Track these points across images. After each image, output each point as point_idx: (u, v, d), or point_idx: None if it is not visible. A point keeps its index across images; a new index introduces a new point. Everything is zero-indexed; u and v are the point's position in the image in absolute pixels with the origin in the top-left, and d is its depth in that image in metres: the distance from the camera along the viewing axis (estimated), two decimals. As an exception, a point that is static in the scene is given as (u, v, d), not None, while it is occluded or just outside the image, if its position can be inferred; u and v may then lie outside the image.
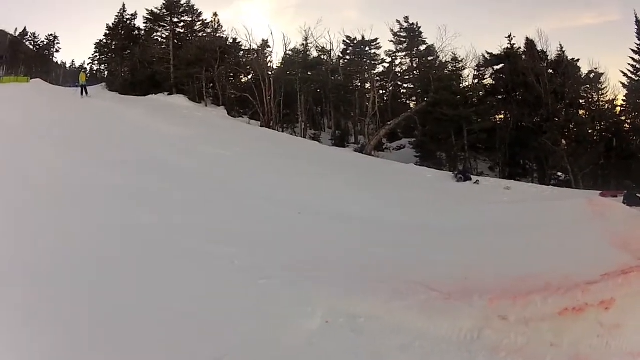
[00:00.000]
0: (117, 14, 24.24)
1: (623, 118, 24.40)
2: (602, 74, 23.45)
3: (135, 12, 24.40)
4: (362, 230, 6.38)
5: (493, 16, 34.47)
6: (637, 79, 23.54)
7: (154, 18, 23.06)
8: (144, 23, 23.70)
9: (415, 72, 22.69)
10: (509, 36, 22.94)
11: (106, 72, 24.86)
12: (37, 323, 2.91)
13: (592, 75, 23.63)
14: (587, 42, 35.08)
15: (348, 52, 22.74)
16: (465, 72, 22.20)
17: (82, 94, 18.49)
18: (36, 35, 26.89)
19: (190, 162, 10.59)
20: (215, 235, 5.14)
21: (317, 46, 22.00)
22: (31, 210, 5.31)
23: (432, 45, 22.14)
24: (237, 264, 4.25)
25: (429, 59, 22.19)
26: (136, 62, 22.45)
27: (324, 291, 3.56)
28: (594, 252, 4.20)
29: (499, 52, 22.57)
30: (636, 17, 22.79)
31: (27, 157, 8.25)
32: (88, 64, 25.51)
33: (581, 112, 24.03)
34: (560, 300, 2.96)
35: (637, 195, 11.26)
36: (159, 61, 21.86)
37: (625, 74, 23.35)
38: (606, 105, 24.04)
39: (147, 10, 23.29)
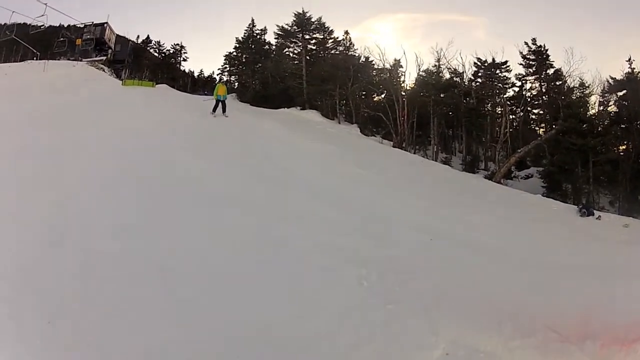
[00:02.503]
0: (246, 29, 25.73)
1: None
2: None
3: (265, 27, 25.75)
4: (489, 263, 6.35)
5: (613, 36, 33.58)
6: None
7: (285, 34, 24.20)
8: (275, 38, 24.89)
9: (544, 97, 22.55)
10: (629, 59, 22.44)
11: (236, 84, 26.14)
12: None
13: None
14: None
15: (479, 74, 22.80)
16: (592, 99, 21.74)
17: (214, 110, 15.64)
18: (161, 43, 28.61)
19: (328, 180, 10.93)
20: (347, 255, 5.37)
21: (449, 68, 22.27)
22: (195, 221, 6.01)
23: (560, 69, 21.90)
24: (366, 286, 4.49)
25: (557, 83, 21.96)
26: (267, 75, 23.58)
27: (448, 322, 3.71)
28: None
29: (621, 77, 21.93)
30: None
31: (178, 168, 8.84)
32: (218, 75, 26.83)
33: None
34: None
35: None
36: (291, 76, 22.89)
37: None
38: None
39: (278, 26, 24.45)
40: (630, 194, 21.56)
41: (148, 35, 29.06)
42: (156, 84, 25.07)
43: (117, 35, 27.08)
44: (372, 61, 22.59)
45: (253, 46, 25.12)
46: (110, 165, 7.99)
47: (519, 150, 20.30)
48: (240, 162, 10.82)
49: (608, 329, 3.44)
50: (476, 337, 3.42)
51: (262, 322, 3.61)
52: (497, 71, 22.54)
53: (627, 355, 3.06)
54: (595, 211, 14.57)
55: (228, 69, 26.12)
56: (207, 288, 4.09)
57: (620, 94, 22.35)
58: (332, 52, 23.69)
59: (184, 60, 28.25)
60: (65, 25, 27.37)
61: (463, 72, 22.19)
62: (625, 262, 7.73)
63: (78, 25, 26.29)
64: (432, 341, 3.38)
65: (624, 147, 22.23)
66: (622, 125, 22.02)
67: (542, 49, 22.51)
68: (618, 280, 5.88)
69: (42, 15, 21.49)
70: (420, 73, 22.07)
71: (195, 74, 28.00)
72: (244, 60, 25.45)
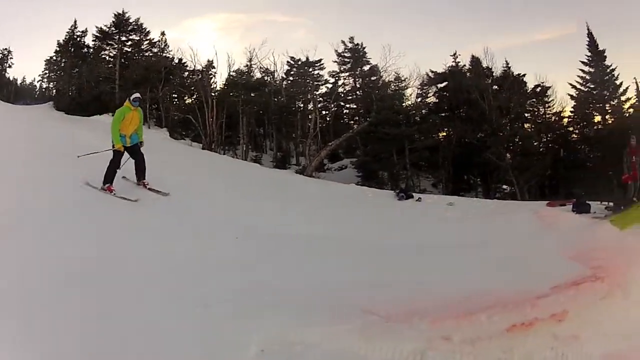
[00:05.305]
0: (68, 30, 23.80)
1: (571, 129, 25.09)
2: (549, 87, 24.43)
3: (86, 29, 23.92)
4: (302, 253, 6.22)
5: (445, 36, 35.25)
6: (585, 89, 24.12)
7: (102, 36, 22.94)
8: (92, 41, 23.46)
9: (358, 92, 23.24)
10: (454, 54, 23.55)
11: (54, 91, 24.64)
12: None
13: (538, 89, 24.24)
14: (544, 57, 36.24)
15: (292, 73, 23.07)
16: (409, 91, 22.86)
17: (110, 177, 8.24)
18: (-12, 49, 26.48)
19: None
20: (156, 259, 5.18)
21: (260, 67, 22.28)
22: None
23: (376, 65, 22.76)
24: (173, 290, 4.27)
25: (372, 78, 22.71)
26: (83, 81, 22.45)
27: (261, 318, 3.53)
28: (544, 265, 4.16)
29: (443, 71, 23.30)
30: (588, 29, 23.55)
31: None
32: (38, 82, 25.28)
33: (527, 125, 24.76)
34: (508, 316, 3.01)
35: (586, 202, 11.42)
36: (105, 80, 21.74)
37: (574, 86, 23.83)
38: (553, 118, 24.76)
39: (97, 27, 23.16)
40: (453, 176, 22.67)
41: (-26, 42, 26.99)
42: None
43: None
44: (184, 63, 22.15)
45: (72, 49, 23.75)
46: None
47: (330, 144, 20.85)
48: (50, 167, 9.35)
49: (440, 304, 3.33)
50: (294, 330, 3.26)
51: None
52: (311, 69, 23.01)
53: (470, 327, 2.92)
54: (414, 194, 15.32)
55: (48, 74, 24.69)
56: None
57: (440, 85, 23.67)
58: (147, 54, 22.83)
59: (9, 66, 26.20)
60: None
61: (274, 71, 22.48)
62: (453, 237, 7.87)
63: None
64: (245, 340, 3.20)
65: (444, 133, 23.21)
66: (442, 114, 22.96)
67: (360, 47, 23.15)
68: (447, 255, 5.79)
69: None
70: (231, 73, 21.96)
71: (19, 82, 26.26)
72: (62, 65, 24.10)
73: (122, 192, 8.20)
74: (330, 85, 23.16)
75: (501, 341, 2.85)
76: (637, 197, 9.48)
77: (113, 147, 8.41)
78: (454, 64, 23.52)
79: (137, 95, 9.08)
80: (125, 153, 8.58)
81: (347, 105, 23.81)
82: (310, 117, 21.23)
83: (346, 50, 22.98)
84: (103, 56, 23.02)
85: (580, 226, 6.21)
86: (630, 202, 8.09)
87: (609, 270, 3.47)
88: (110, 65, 22.37)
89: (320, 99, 22.72)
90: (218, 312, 3.74)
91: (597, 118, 24.13)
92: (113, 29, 22.87)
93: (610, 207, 10.86)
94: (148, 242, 5.99)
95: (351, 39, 23.20)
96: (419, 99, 23.09)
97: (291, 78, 22.98)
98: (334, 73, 23.15)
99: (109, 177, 8.10)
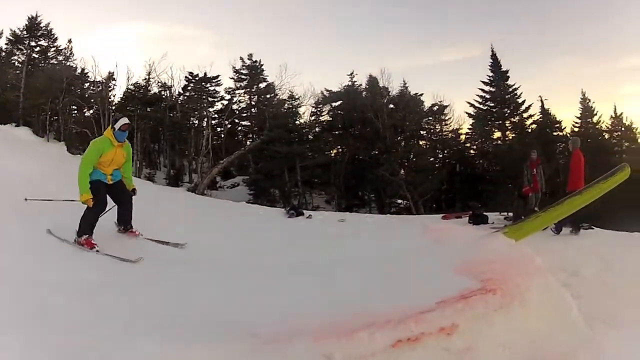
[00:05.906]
0: None
1: (468, 145, 26.66)
2: (447, 106, 25.98)
3: (2, 30, 23.66)
4: (184, 274, 5.72)
5: (344, 56, 36.28)
6: (484, 108, 25.68)
7: (15, 39, 22.97)
8: (5, 44, 23.36)
9: (253, 109, 24.12)
10: (351, 73, 24.70)
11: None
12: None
13: (435, 108, 25.65)
14: (446, 78, 39.29)
15: (189, 88, 23.49)
16: (302, 110, 23.79)
17: (86, 227, 5.79)
18: None
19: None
20: (36, 280, 4.73)
21: (159, 81, 22.63)
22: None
23: (272, 83, 23.58)
24: (54, 312, 3.94)
25: (267, 96, 23.58)
26: (-9, 87, 22.23)
27: (144, 342, 3.33)
28: (431, 280, 4.03)
29: (339, 89, 24.35)
30: (492, 51, 25.17)
31: None
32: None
33: (422, 142, 26.25)
34: (391, 333, 2.94)
35: (483, 214, 11.95)
36: (11, 88, 21.82)
37: (472, 105, 25.54)
38: (449, 135, 26.31)
39: (11, 30, 23.12)
40: (345, 192, 24.08)
41: None
42: None
43: None
44: (86, 73, 22.38)
45: (-14, 52, 23.94)
46: None
47: (222, 161, 21.72)
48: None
49: (321, 323, 3.25)
50: (177, 354, 3.12)
51: None
52: (208, 85, 23.50)
53: (352, 344, 2.92)
54: (305, 211, 15.69)
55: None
56: None
57: (335, 104, 24.67)
58: (53, 61, 22.97)
59: None
60: None
61: (172, 85, 22.76)
62: (339, 254, 7.70)
63: None
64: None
65: (336, 151, 24.58)
66: (335, 132, 24.23)
67: (257, 64, 24.02)
68: (330, 273, 5.51)
69: None
70: (129, 86, 22.44)
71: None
72: (-25, 67, 24.21)
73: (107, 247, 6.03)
74: (225, 102, 23.89)
75: (386, 357, 2.85)
76: (538, 207, 9.89)
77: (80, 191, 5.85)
78: (350, 83, 24.71)
79: (126, 121, 6.42)
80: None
81: (242, 123, 24.83)
82: (204, 133, 21.76)
83: (244, 67, 23.78)
84: (13, 61, 23.11)
85: (473, 239, 5.72)
86: (531, 212, 8.06)
87: (501, 281, 3.50)
88: (17, 72, 22.46)
89: (215, 115, 23.43)
90: (97, 337, 3.53)
91: (497, 134, 26.02)
92: (25, 32, 22.99)
93: (509, 218, 11.25)
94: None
95: (250, 56, 24.09)
96: (313, 118, 24.17)
97: (188, 93, 23.44)
98: (230, 90, 23.94)
99: (88, 226, 5.72)
